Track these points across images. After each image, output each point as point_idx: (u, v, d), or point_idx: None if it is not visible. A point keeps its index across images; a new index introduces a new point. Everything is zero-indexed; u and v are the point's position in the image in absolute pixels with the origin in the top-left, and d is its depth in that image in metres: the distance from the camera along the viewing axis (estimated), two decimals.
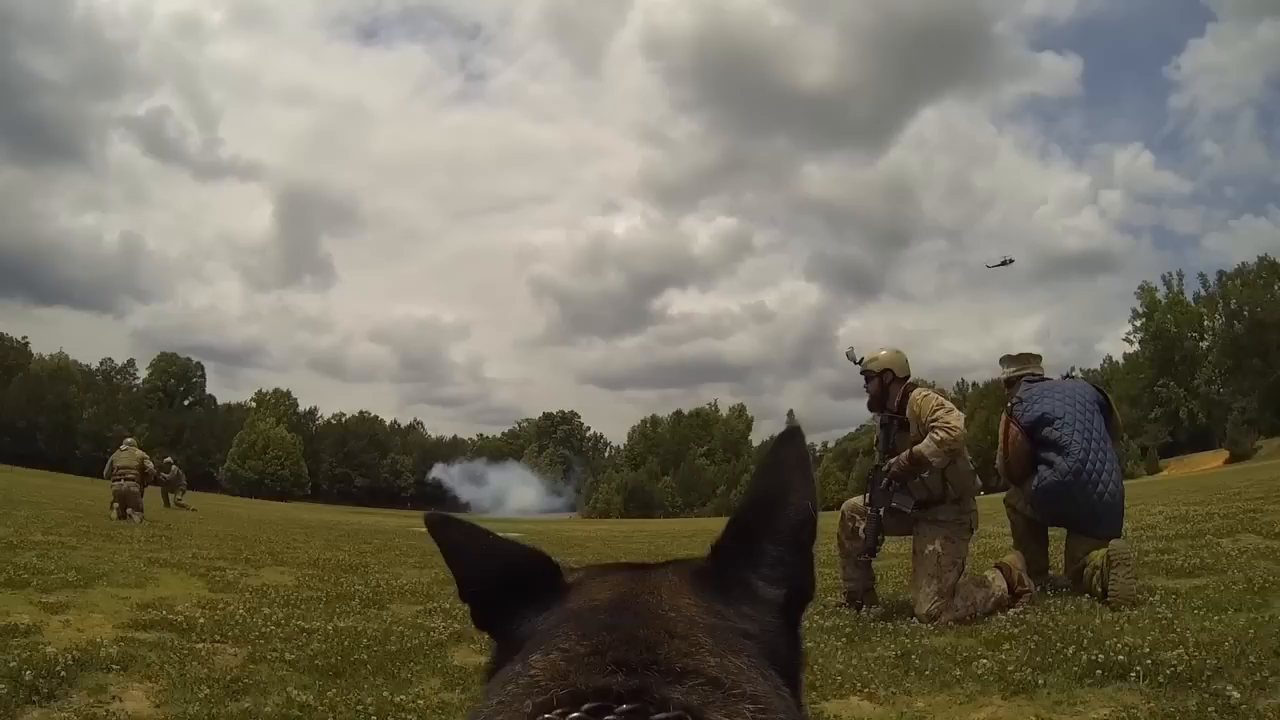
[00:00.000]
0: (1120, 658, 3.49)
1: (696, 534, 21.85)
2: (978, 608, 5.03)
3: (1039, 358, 6.48)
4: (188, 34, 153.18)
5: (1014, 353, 6.47)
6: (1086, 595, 5.11)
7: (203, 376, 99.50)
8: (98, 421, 74.73)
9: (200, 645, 4.53)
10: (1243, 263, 73.71)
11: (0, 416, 71.56)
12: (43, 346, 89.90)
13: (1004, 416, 6.05)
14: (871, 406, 5.73)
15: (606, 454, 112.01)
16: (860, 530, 5.46)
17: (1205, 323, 73.81)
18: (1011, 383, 6.22)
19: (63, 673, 3.63)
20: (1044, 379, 6.17)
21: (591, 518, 73.02)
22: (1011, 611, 4.97)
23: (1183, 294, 75.53)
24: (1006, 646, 4.07)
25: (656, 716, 0.51)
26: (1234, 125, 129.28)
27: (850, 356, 5.89)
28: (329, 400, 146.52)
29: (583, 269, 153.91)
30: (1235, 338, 67.95)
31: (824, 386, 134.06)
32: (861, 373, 5.73)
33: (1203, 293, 74.47)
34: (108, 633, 4.66)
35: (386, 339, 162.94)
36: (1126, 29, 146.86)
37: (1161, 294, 75.70)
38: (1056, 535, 6.00)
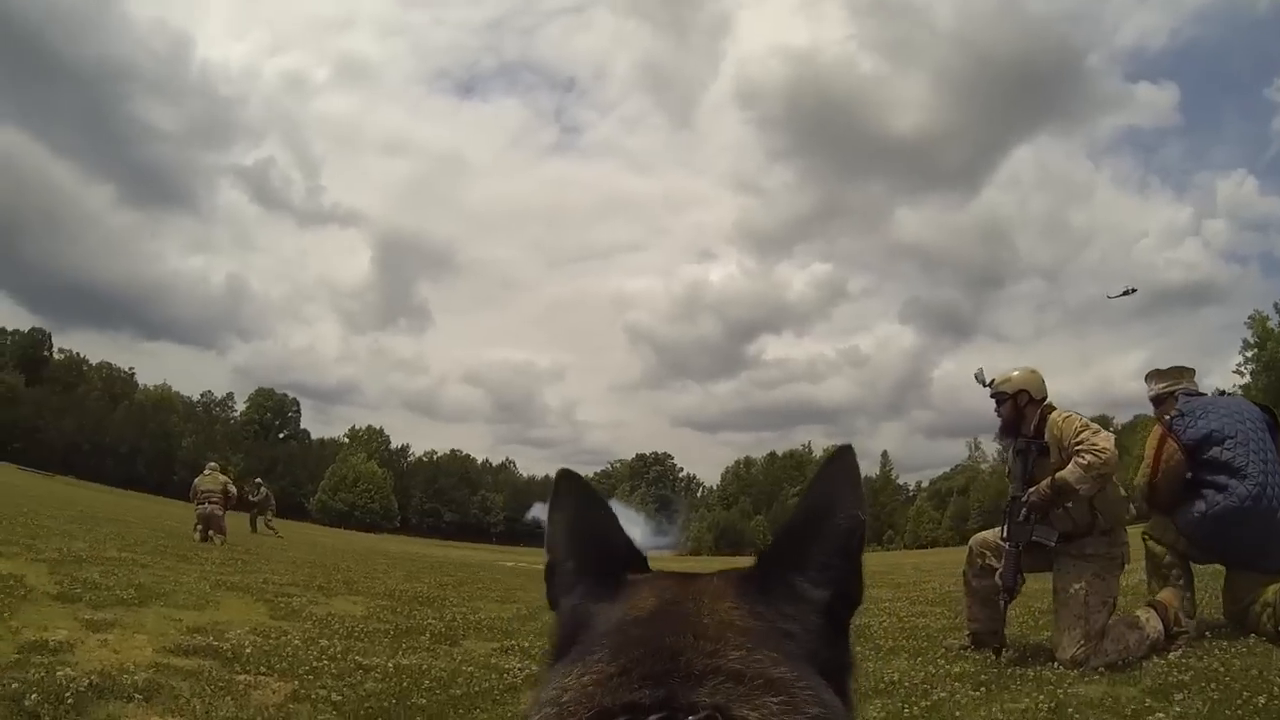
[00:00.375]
0: None
1: None
2: (1131, 652, 4.53)
3: (1193, 371, 5.85)
4: (294, 89, 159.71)
5: (1162, 367, 5.84)
6: (1254, 636, 4.64)
7: (298, 412, 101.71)
8: (196, 450, 76.39)
9: (242, 677, 4.05)
10: None
11: (105, 441, 74.41)
12: (148, 378, 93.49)
13: (1157, 434, 5.37)
14: (1005, 432, 5.19)
15: (700, 494, 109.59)
16: (991, 567, 4.94)
17: None
18: (1160, 400, 5.64)
19: (71, 700, 3.16)
20: (1200, 394, 5.55)
21: (683, 555, 72.25)
22: (1173, 655, 4.49)
23: None
24: (1180, 697, 3.60)
25: None
26: None
27: (979, 378, 5.32)
28: (421, 438, 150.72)
29: (678, 316, 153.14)
30: None
31: (918, 428, 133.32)
32: (992, 395, 5.20)
33: None
34: (144, 657, 4.22)
35: (480, 382, 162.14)
36: (1223, 53, 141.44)
37: (1275, 322, 72.33)
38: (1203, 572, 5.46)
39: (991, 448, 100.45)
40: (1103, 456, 4.58)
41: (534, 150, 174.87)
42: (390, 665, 4.58)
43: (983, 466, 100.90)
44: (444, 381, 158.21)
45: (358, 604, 8.02)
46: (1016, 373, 5.17)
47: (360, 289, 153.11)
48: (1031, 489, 4.75)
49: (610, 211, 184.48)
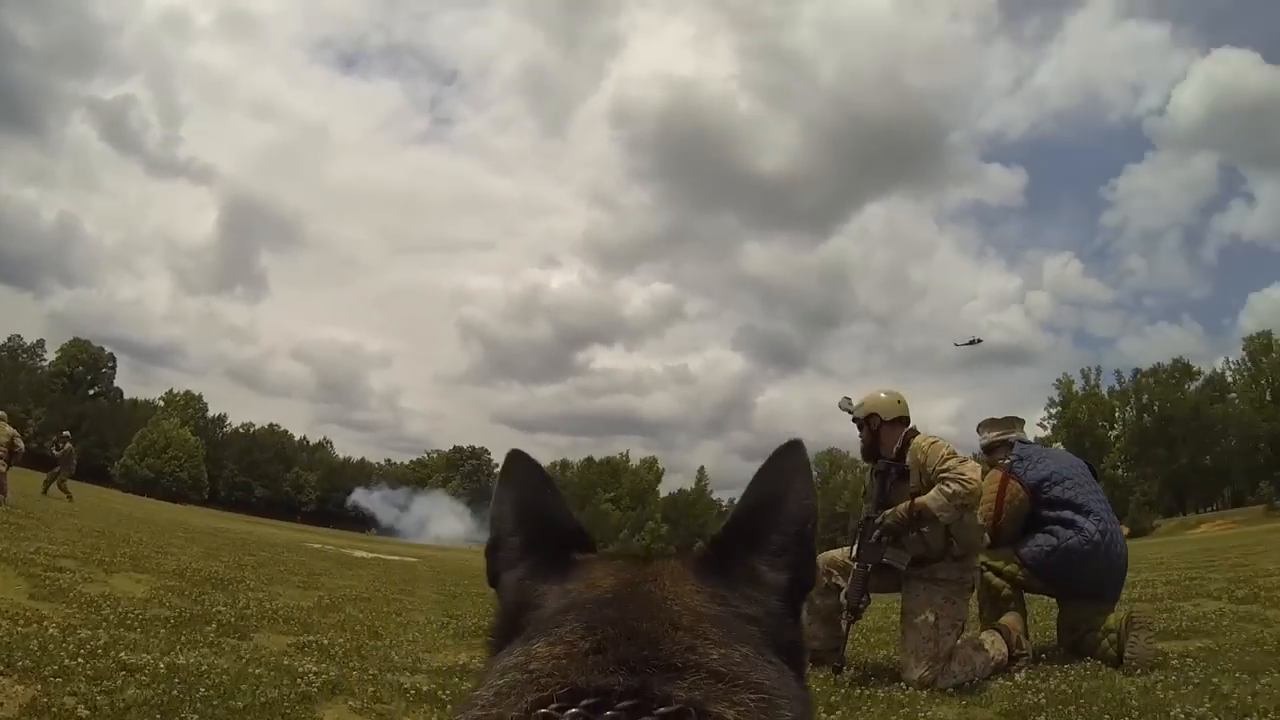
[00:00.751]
0: None
1: None
2: (977, 673, 4.59)
3: (1023, 421, 6.19)
4: (174, 29, 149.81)
5: (996, 416, 6.11)
6: (1090, 661, 4.78)
7: (113, 368, 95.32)
8: None
9: None
10: (1158, 363, 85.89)
11: None
12: None
13: (997, 477, 5.49)
14: (865, 456, 5.20)
15: None
16: (836, 585, 4.91)
17: (1116, 414, 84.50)
18: (993, 448, 5.89)
19: None
20: (1029, 443, 5.84)
21: None
22: (1019, 677, 4.59)
23: (1098, 387, 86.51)
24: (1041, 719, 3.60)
25: (659, 711, 0.51)
26: (1159, 243, 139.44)
27: (844, 406, 5.33)
28: (240, 409, 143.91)
29: (513, 317, 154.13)
30: (1144, 429, 79.16)
31: (736, 448, 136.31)
32: (853, 420, 5.22)
33: (1117, 388, 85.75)
34: None
35: (308, 358, 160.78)
36: (1071, 151, 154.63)
37: (1079, 386, 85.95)
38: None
39: None
40: (969, 486, 4.56)
41: (402, 136, 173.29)
42: (162, 665, 3.88)
43: None
44: (272, 354, 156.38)
45: (141, 583, 7.20)
46: (869, 397, 5.18)
47: (200, 249, 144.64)
48: (888, 511, 4.73)
49: (466, 207, 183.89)
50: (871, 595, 4.85)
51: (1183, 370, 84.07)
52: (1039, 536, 5.20)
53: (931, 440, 4.85)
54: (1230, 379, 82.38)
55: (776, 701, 0.56)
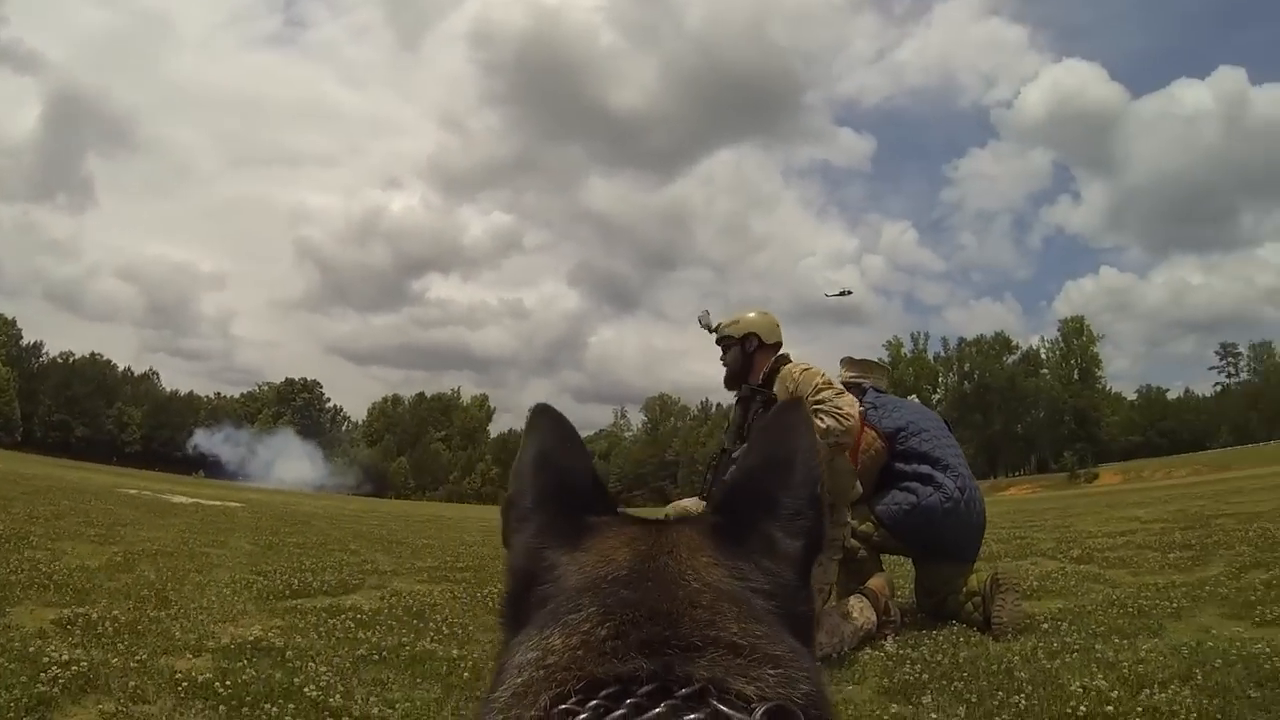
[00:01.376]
0: (1087, 707, 2.93)
1: (432, 519, 20.46)
2: (845, 643, 4.13)
3: (886, 370, 5.69)
4: None
5: (857, 356, 5.56)
6: (955, 625, 4.58)
7: None
8: None
9: None
10: (981, 335, 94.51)
11: None
12: None
13: None
14: (730, 383, 4.68)
15: (345, 428, 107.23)
16: None
17: (940, 379, 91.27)
18: (847, 389, 5.13)
19: None
20: (883, 392, 5.32)
21: (326, 494, 68.14)
22: (889, 647, 4.20)
23: (925, 352, 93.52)
24: (928, 699, 3.27)
25: (680, 692, 0.50)
26: (991, 224, 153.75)
27: (703, 322, 4.79)
28: (59, 336, 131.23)
29: (351, 239, 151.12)
30: (963, 395, 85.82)
31: (567, 388, 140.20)
32: (718, 341, 4.73)
33: (942, 354, 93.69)
34: None
35: (135, 278, 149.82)
36: (922, 126, 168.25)
37: (908, 349, 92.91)
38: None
39: (638, 419, 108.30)
40: (845, 423, 4.13)
41: (250, 35, 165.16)
42: None
43: (626, 435, 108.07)
44: (96, 273, 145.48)
45: None
46: (751, 314, 4.67)
47: (18, 148, 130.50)
48: (747, 446, 4.15)
49: (311, 119, 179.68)
50: None
51: (1003, 343, 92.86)
52: (896, 493, 4.82)
53: (805, 367, 4.39)
54: (1044, 356, 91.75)
55: (795, 675, 0.55)
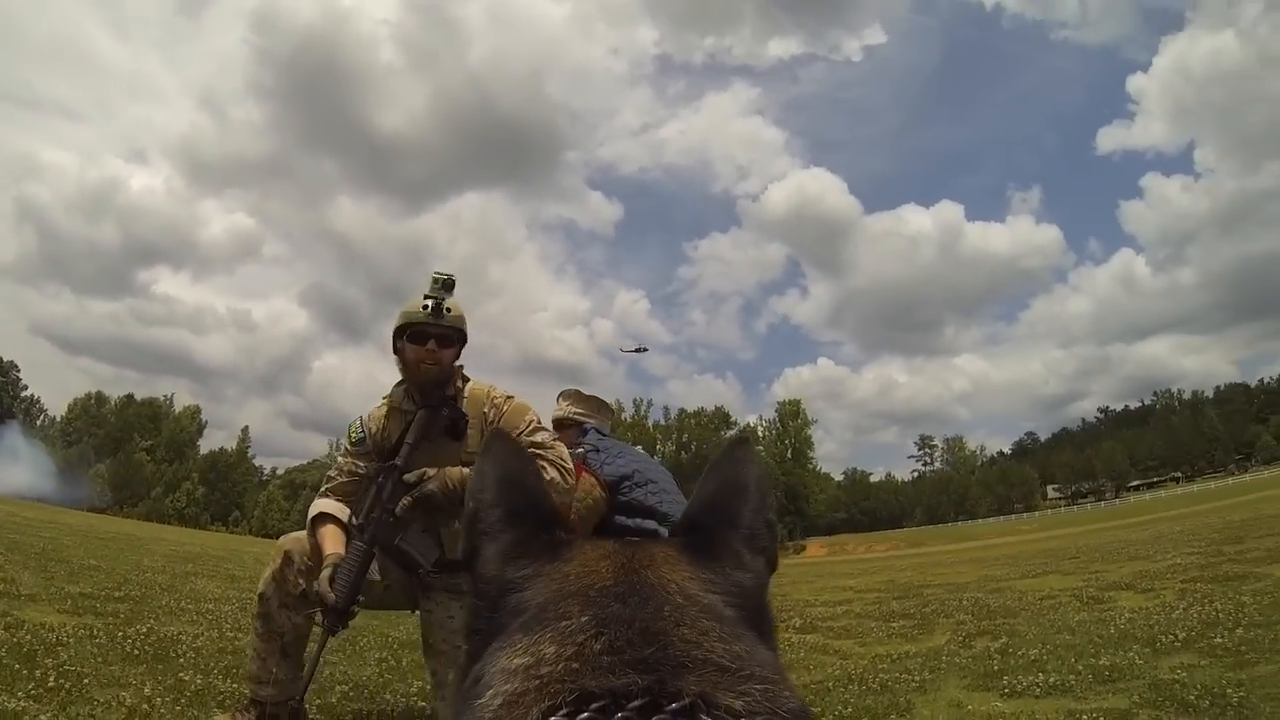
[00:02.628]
0: None
1: (116, 538, 17.80)
2: None
3: (612, 412, 4.83)
4: None
5: (585, 391, 4.70)
6: None
7: None
8: None
9: None
10: (701, 407, 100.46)
11: None
12: None
13: None
14: (433, 387, 3.30)
15: (40, 421, 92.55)
16: (315, 590, 2.86)
17: (658, 446, 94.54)
18: (564, 426, 4.44)
19: None
20: (606, 436, 4.51)
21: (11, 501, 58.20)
22: None
23: (645, 419, 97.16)
24: None
25: (670, 708, 0.49)
26: (722, 305, 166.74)
27: (443, 286, 3.36)
28: None
29: (81, 209, 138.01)
30: (680, 464, 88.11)
31: (284, 413, 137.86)
32: (441, 326, 3.26)
33: (662, 422, 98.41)
34: None
35: None
36: (671, 202, 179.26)
37: (628, 414, 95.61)
38: None
39: None
40: (569, 479, 3.22)
41: None
42: None
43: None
44: None
45: None
46: (455, 304, 3.38)
47: None
48: (432, 471, 3.06)
49: (64, 60, 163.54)
50: (368, 604, 3.07)
51: (721, 418, 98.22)
52: None
53: (506, 395, 3.36)
54: (761, 433, 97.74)
55: (780, 691, 0.55)
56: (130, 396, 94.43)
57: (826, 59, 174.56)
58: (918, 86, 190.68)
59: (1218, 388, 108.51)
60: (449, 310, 3.28)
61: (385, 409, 3.36)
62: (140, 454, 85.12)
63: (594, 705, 0.49)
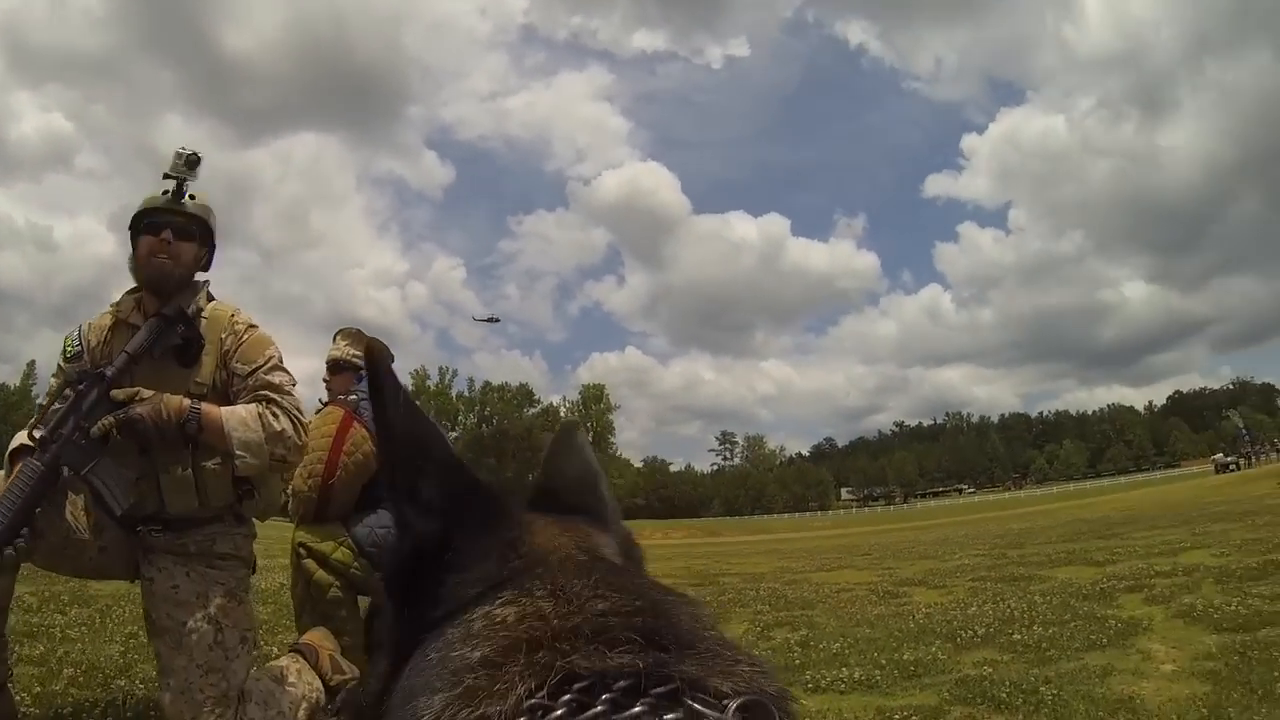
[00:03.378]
0: None
1: None
2: (286, 717, 2.68)
3: (392, 357, 4.01)
4: None
5: (367, 334, 4.12)
6: None
7: None
8: None
9: None
10: (506, 382, 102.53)
11: None
12: None
13: (336, 416, 3.68)
14: (167, 285, 2.68)
15: None
16: None
17: (460, 417, 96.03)
18: (338, 369, 3.92)
19: None
20: None
21: None
22: None
23: (449, 389, 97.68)
24: None
25: (655, 690, 0.45)
26: (538, 283, 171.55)
27: (184, 165, 2.81)
28: None
29: None
30: (480, 437, 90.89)
31: None
32: (173, 213, 2.71)
33: (465, 394, 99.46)
34: None
35: None
36: (503, 174, 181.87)
37: (433, 381, 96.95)
38: None
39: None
40: (302, 437, 2.66)
41: None
42: None
43: None
44: None
45: None
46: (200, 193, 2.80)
47: None
48: (149, 393, 2.44)
49: None
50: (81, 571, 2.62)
51: (525, 395, 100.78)
52: (385, 514, 3.41)
53: (249, 322, 2.75)
54: (563, 414, 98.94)
55: (766, 669, 0.50)
56: None
57: (688, 60, 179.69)
58: (768, 103, 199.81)
59: (1002, 415, 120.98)
60: (192, 197, 2.73)
61: (111, 320, 2.69)
62: None
63: (577, 686, 0.45)
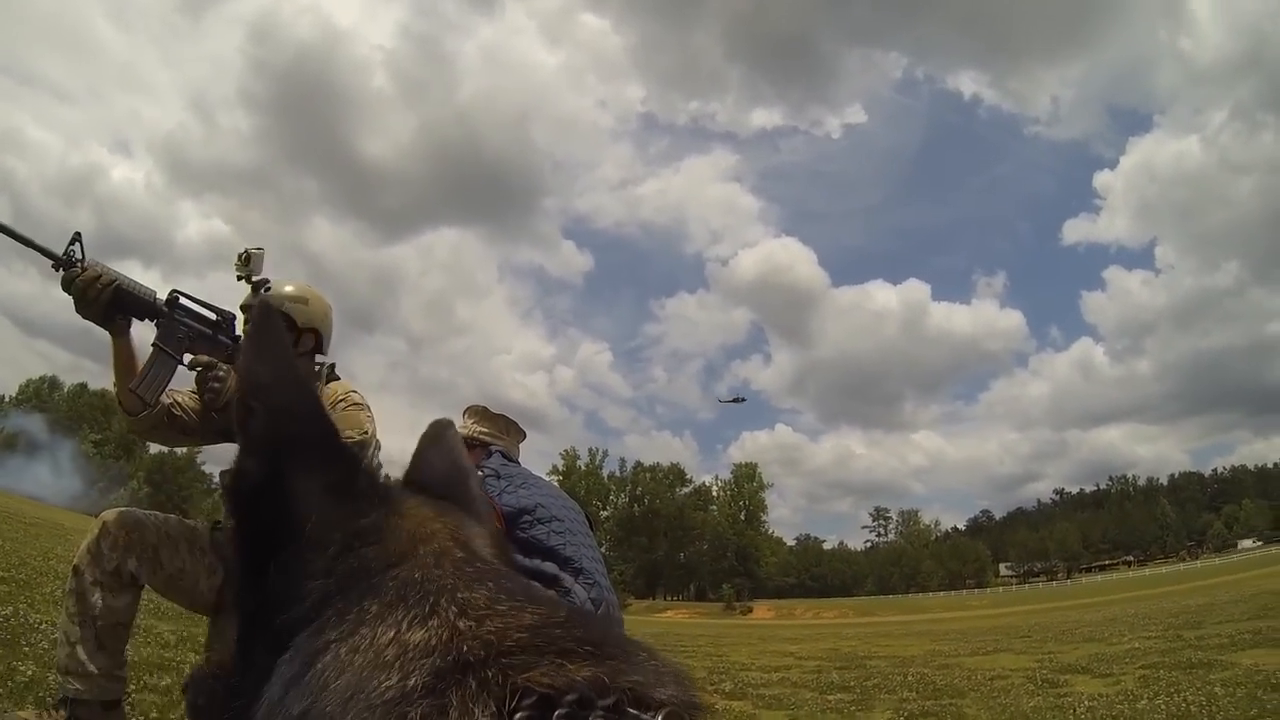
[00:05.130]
0: None
1: (44, 522, 17.39)
2: None
3: (523, 435, 4.07)
4: None
5: (494, 410, 4.09)
6: None
7: None
8: None
9: None
10: (657, 463, 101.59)
11: None
12: None
13: None
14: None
15: None
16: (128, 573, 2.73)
17: (611, 497, 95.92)
18: (469, 446, 3.80)
19: None
20: (516, 463, 3.87)
21: None
22: None
23: (600, 469, 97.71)
24: None
25: (602, 703, 0.45)
26: (684, 365, 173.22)
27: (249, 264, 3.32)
28: None
29: (59, 190, 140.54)
30: (632, 516, 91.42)
31: None
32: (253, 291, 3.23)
33: (617, 474, 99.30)
34: None
35: None
36: (642, 259, 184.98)
37: (583, 462, 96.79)
38: None
39: None
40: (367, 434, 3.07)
41: None
42: None
43: None
44: None
45: None
46: (318, 298, 3.45)
47: None
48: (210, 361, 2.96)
49: (63, 41, 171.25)
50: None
51: (676, 475, 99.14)
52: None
53: (353, 400, 3.23)
54: (715, 493, 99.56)
55: (690, 679, 0.51)
56: (84, 385, 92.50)
57: (808, 133, 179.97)
58: (893, 167, 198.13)
59: (1172, 475, 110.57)
60: (267, 289, 3.29)
61: None
62: (88, 445, 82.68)
63: (527, 703, 0.44)
